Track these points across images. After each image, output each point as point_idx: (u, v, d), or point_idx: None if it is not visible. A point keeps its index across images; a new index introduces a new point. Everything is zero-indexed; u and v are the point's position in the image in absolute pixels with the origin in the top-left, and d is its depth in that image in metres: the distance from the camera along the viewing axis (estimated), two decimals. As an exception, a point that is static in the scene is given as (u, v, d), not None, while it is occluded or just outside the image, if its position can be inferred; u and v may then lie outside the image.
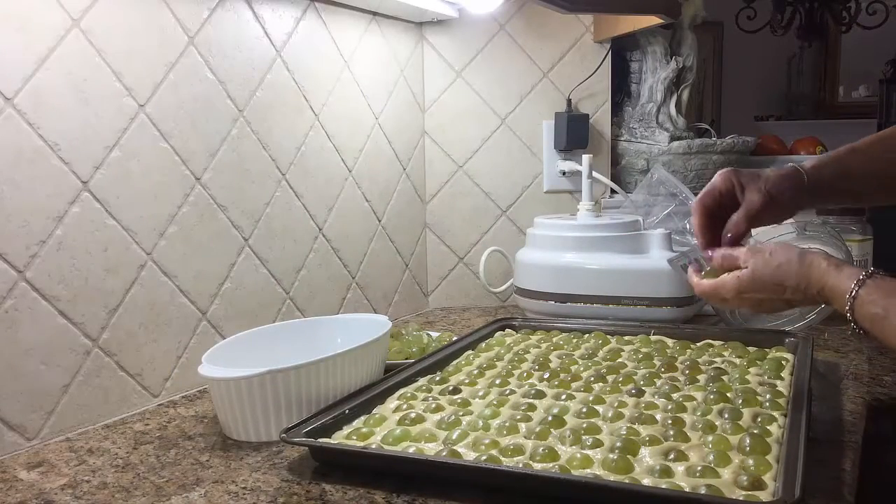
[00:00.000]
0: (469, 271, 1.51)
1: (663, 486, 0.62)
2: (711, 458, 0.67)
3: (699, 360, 0.95)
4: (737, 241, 0.85)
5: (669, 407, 0.79)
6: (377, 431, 0.76)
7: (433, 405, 0.81)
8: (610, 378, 0.89)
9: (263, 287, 1.11)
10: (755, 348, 1.00)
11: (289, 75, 1.14)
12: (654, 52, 1.55)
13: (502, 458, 0.69)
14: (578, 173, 1.38)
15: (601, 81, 1.48)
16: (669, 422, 0.75)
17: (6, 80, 0.78)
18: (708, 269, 0.85)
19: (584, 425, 0.74)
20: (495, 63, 1.47)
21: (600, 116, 1.50)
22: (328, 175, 1.23)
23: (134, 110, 0.92)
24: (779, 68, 5.27)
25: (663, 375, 0.90)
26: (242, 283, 1.07)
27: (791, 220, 1.23)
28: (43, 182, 0.82)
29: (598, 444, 0.70)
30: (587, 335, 1.09)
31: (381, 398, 0.85)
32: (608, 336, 1.08)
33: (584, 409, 0.78)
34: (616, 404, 0.80)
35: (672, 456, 0.67)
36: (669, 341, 1.05)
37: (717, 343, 1.03)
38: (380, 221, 1.37)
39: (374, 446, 0.72)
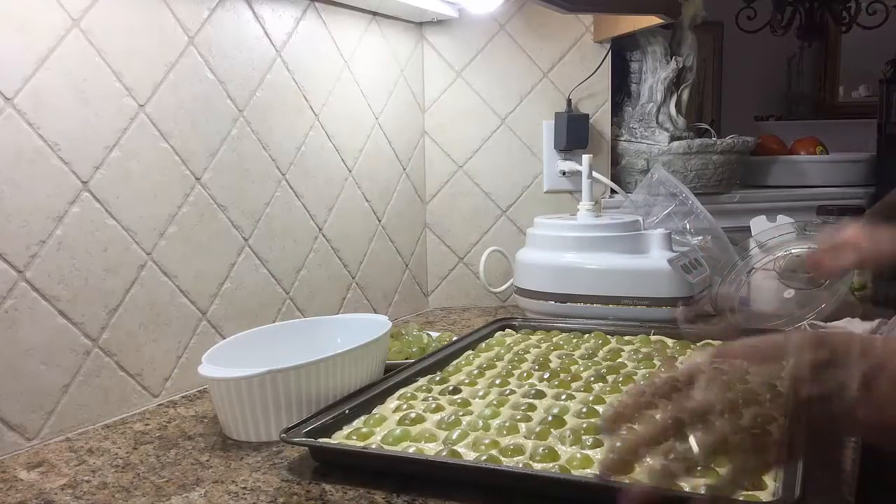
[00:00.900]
0: (469, 271, 1.51)
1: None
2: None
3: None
4: None
5: (669, 407, 0.78)
6: (377, 431, 0.76)
7: (433, 405, 0.81)
8: (610, 378, 0.89)
9: (263, 287, 1.11)
10: None
11: (289, 75, 1.14)
12: (654, 52, 1.55)
13: (502, 458, 0.69)
14: (578, 173, 1.38)
15: (601, 81, 1.48)
16: (669, 422, 0.74)
17: (6, 80, 0.78)
18: None
19: (584, 425, 0.74)
20: (495, 63, 1.47)
21: (600, 116, 1.50)
22: (328, 175, 1.23)
23: (134, 110, 0.92)
24: (779, 68, 5.27)
25: (663, 375, 0.90)
26: (242, 283, 1.07)
27: (791, 220, 1.24)
28: (43, 182, 0.82)
29: (598, 444, 0.70)
30: (587, 335, 1.09)
31: (381, 398, 0.85)
32: (608, 336, 1.08)
33: (584, 409, 0.78)
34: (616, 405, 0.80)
35: (672, 456, 0.67)
36: (669, 341, 1.05)
37: (716, 343, 1.03)
38: (380, 221, 1.37)
39: (374, 446, 0.72)
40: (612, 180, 1.50)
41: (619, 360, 0.98)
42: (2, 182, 0.78)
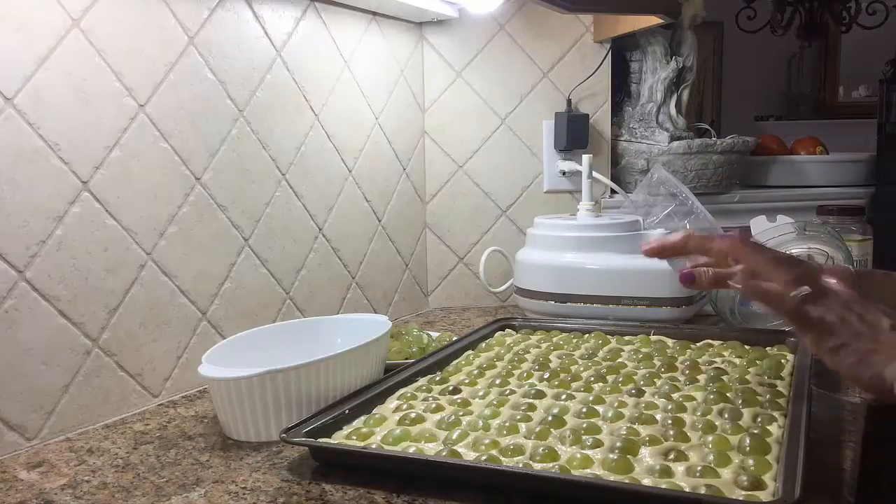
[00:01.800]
0: (469, 271, 1.51)
1: (663, 486, 0.62)
2: (711, 458, 0.67)
3: (699, 360, 0.95)
4: None
5: (669, 407, 0.79)
6: (377, 431, 0.76)
7: (433, 405, 0.81)
8: (610, 378, 0.89)
9: (263, 287, 1.11)
10: (755, 348, 1.00)
11: (289, 75, 1.14)
12: (654, 52, 1.55)
13: (502, 458, 0.69)
14: (578, 173, 1.38)
15: (601, 81, 1.48)
16: (669, 422, 0.75)
17: (6, 80, 0.78)
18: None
19: (584, 425, 0.74)
20: (495, 63, 1.47)
21: (600, 116, 1.50)
22: (328, 175, 1.23)
23: (134, 110, 0.92)
24: (779, 68, 5.27)
25: (663, 375, 0.90)
26: (242, 283, 1.07)
27: (791, 221, 1.24)
28: (43, 182, 0.82)
29: (598, 444, 0.70)
30: (587, 335, 1.09)
31: (381, 398, 0.85)
32: (608, 336, 1.08)
33: (584, 410, 0.79)
34: (616, 404, 0.80)
35: (672, 456, 0.67)
36: (669, 341, 1.05)
37: (716, 343, 1.03)
38: (380, 221, 1.37)
39: (373, 446, 0.73)
40: (612, 180, 1.50)
41: (619, 359, 0.98)
42: (2, 182, 0.78)
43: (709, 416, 0.76)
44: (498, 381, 0.89)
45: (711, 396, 0.81)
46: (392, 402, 0.84)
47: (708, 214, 1.32)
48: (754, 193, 1.66)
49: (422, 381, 0.91)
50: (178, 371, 0.98)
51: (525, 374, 0.91)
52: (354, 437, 0.75)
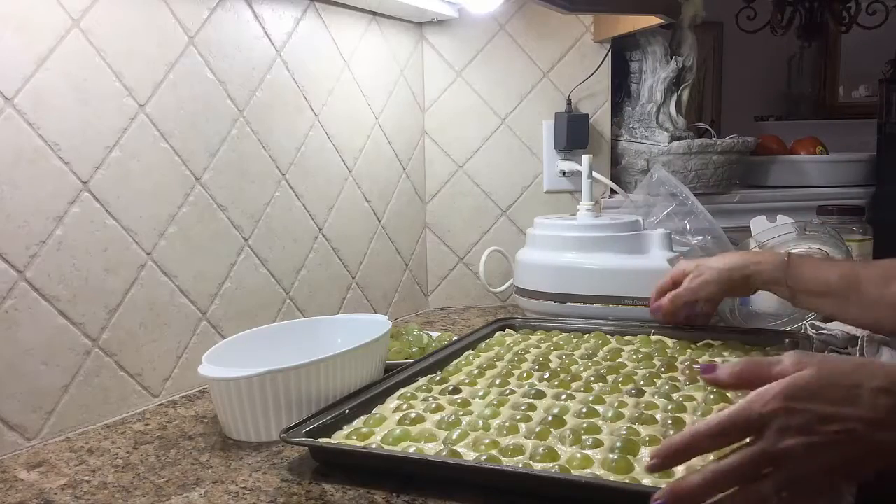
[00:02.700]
0: (469, 271, 1.51)
1: (663, 486, 0.62)
2: (711, 457, 0.67)
3: (699, 360, 0.95)
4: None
5: (669, 407, 0.79)
6: (377, 431, 0.76)
7: (433, 405, 0.81)
8: (610, 378, 0.89)
9: (263, 287, 1.11)
10: (755, 347, 1.00)
11: (289, 75, 1.14)
12: (654, 52, 1.55)
13: (502, 458, 0.69)
14: (578, 173, 1.38)
15: (601, 81, 1.48)
16: (669, 422, 0.75)
17: (6, 80, 0.78)
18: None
19: (584, 425, 0.74)
20: (495, 63, 1.47)
21: (600, 116, 1.50)
22: (328, 175, 1.23)
23: (134, 110, 0.91)
24: (779, 68, 5.27)
25: (663, 375, 0.90)
26: (242, 283, 1.07)
27: (791, 221, 1.24)
28: (43, 182, 0.82)
29: (598, 444, 0.70)
30: (587, 335, 1.09)
31: (381, 398, 0.85)
32: (608, 336, 1.08)
33: (584, 409, 0.79)
34: (616, 404, 0.80)
35: None
36: (669, 341, 1.05)
37: (716, 343, 1.03)
38: (380, 221, 1.37)
39: (374, 446, 0.73)
40: (612, 180, 1.50)
41: (619, 359, 0.98)
42: (2, 182, 0.78)
43: (709, 417, 0.76)
44: (498, 381, 0.89)
45: (711, 396, 0.81)
46: (392, 402, 0.84)
47: (708, 214, 1.32)
48: (754, 193, 1.66)
49: (422, 380, 0.91)
50: (178, 371, 0.98)
51: (525, 374, 0.91)
52: (354, 437, 0.75)
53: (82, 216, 0.86)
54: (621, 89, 1.60)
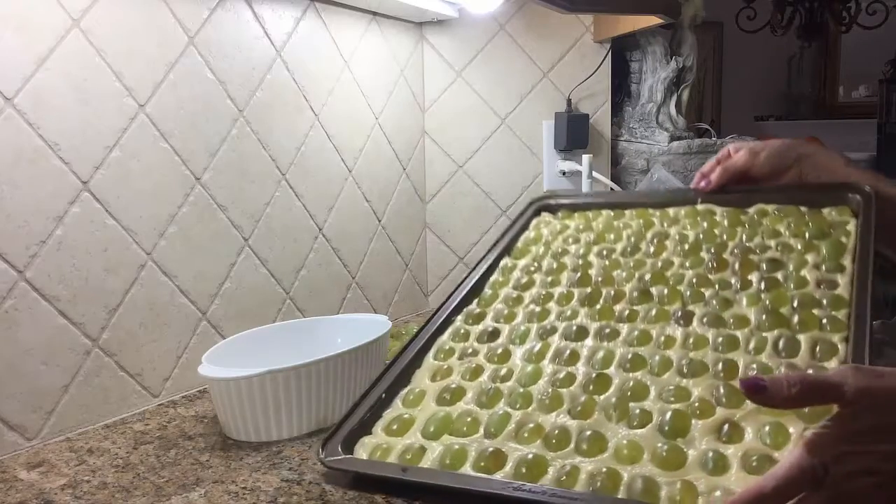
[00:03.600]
0: (469, 271, 1.51)
1: (717, 495, 0.58)
2: (768, 429, 0.62)
3: (751, 244, 0.87)
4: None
5: (720, 340, 0.73)
6: (417, 416, 0.73)
7: (472, 365, 0.79)
8: (654, 291, 0.83)
9: (263, 287, 1.11)
10: (813, 211, 0.91)
11: (289, 75, 1.14)
12: (654, 52, 1.55)
13: (547, 454, 0.65)
14: (578, 173, 1.38)
15: (601, 81, 1.48)
16: (721, 372, 0.70)
17: (6, 80, 0.79)
18: None
19: (631, 383, 0.71)
20: (495, 63, 1.47)
21: (600, 116, 1.50)
22: (328, 175, 1.23)
23: (134, 110, 0.92)
24: (779, 68, 5.27)
25: (712, 278, 0.83)
26: (242, 283, 1.07)
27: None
28: (43, 182, 0.82)
29: (646, 418, 0.67)
30: (629, 212, 1.00)
31: (419, 357, 0.83)
32: (651, 214, 0.98)
33: (630, 357, 0.74)
34: (663, 341, 0.75)
35: (726, 434, 0.63)
36: (717, 209, 0.95)
37: (770, 208, 0.93)
38: (380, 221, 1.37)
39: (415, 444, 0.70)
40: (612, 180, 1.50)
41: (664, 254, 0.89)
42: (2, 182, 0.78)
43: (763, 356, 0.70)
44: (537, 311, 0.85)
45: (764, 318, 0.75)
46: (429, 362, 0.82)
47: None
48: (754, 193, 1.65)
49: (458, 321, 0.88)
50: (178, 371, 0.98)
51: (564, 296, 0.86)
52: (395, 427, 0.73)
53: (82, 216, 0.86)
54: (621, 89, 1.60)
